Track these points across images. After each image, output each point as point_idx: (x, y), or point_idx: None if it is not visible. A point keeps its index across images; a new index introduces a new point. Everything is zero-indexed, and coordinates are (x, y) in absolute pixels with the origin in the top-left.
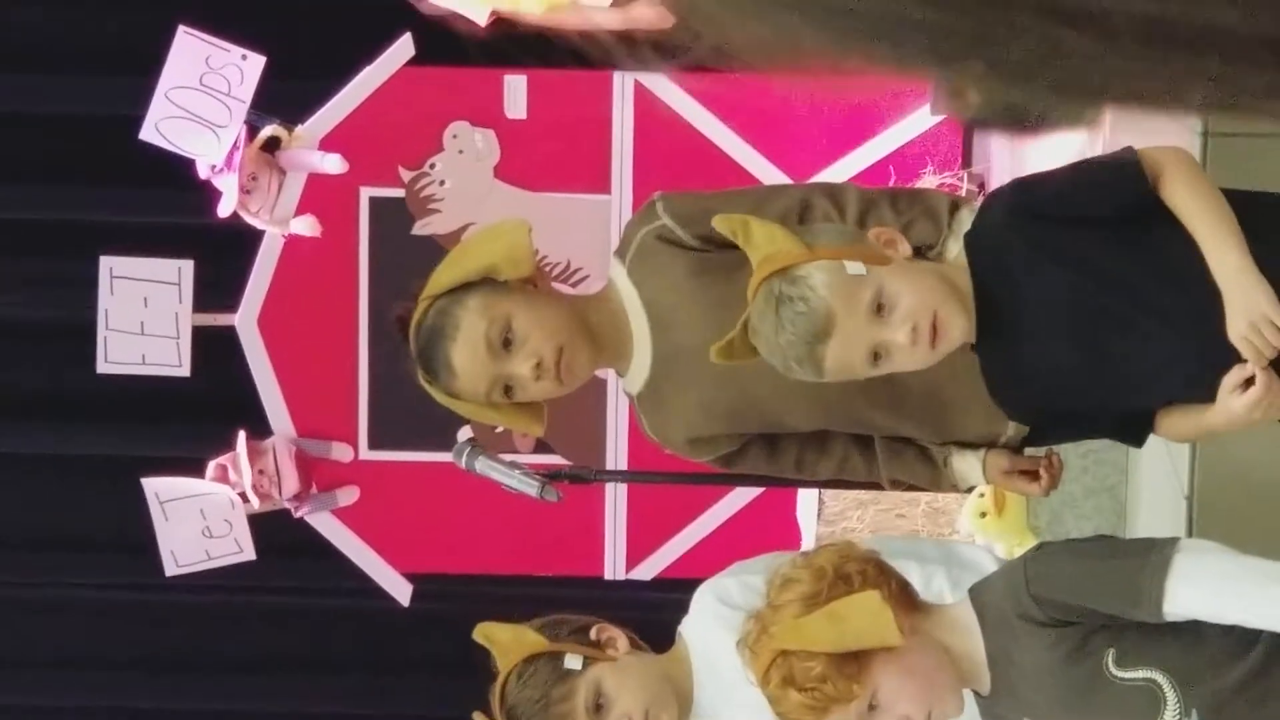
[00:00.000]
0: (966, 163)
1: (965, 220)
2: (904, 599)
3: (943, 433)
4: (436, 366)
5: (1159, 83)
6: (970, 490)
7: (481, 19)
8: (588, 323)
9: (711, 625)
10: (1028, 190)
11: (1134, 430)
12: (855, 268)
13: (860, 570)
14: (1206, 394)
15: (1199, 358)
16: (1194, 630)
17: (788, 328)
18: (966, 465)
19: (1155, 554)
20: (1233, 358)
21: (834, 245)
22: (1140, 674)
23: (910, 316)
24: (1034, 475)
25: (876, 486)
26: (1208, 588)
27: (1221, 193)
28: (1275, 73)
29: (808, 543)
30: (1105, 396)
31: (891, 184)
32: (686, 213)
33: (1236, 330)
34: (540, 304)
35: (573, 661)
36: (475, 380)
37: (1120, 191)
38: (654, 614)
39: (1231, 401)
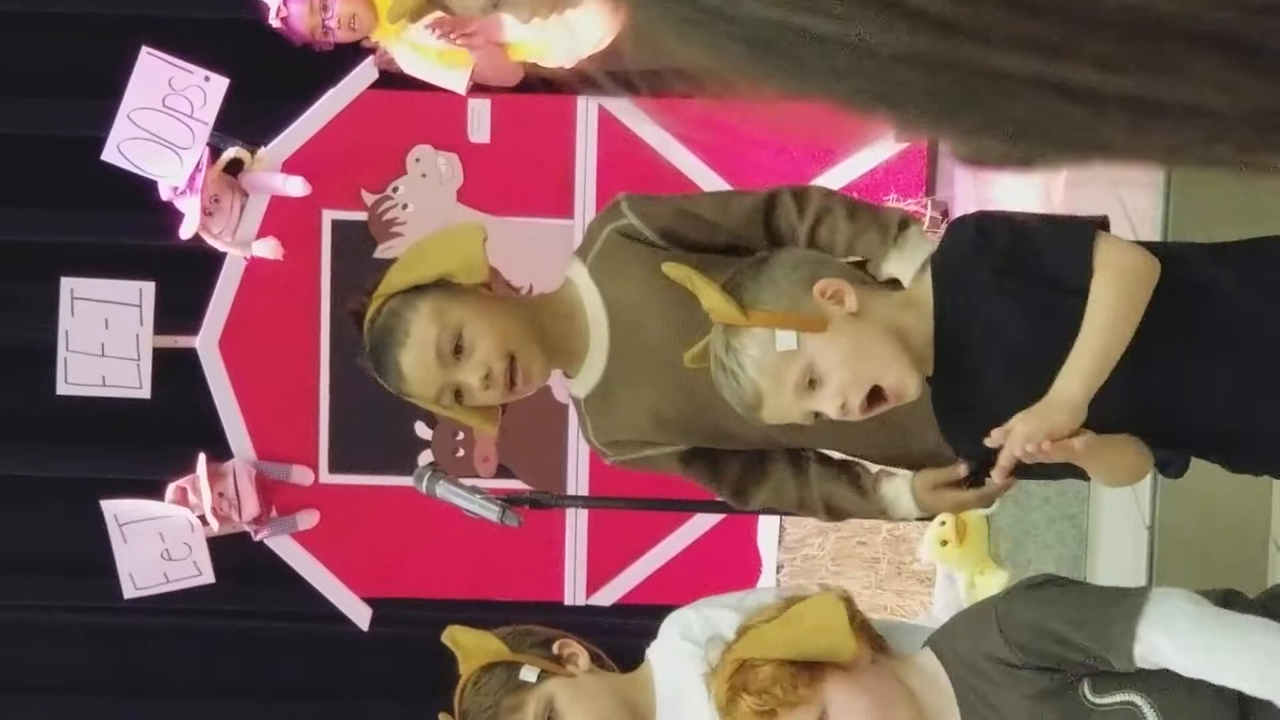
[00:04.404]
0: (930, 190)
1: (913, 238)
2: (869, 636)
3: (890, 448)
4: (386, 367)
5: (1144, 150)
6: (904, 519)
7: (461, 87)
8: (542, 326)
9: (673, 657)
10: (991, 226)
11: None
12: (786, 341)
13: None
14: (1139, 428)
15: (1134, 393)
16: None
17: (725, 393)
18: (894, 490)
19: (1127, 601)
20: (1163, 392)
21: (771, 309)
22: (1118, 698)
23: (840, 393)
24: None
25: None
26: (1180, 639)
27: (1137, 314)
28: (1254, 139)
29: (768, 569)
30: None
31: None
32: (652, 210)
33: (1020, 425)
34: (493, 310)
35: (528, 673)
36: (424, 386)
37: (1062, 263)
38: (614, 639)
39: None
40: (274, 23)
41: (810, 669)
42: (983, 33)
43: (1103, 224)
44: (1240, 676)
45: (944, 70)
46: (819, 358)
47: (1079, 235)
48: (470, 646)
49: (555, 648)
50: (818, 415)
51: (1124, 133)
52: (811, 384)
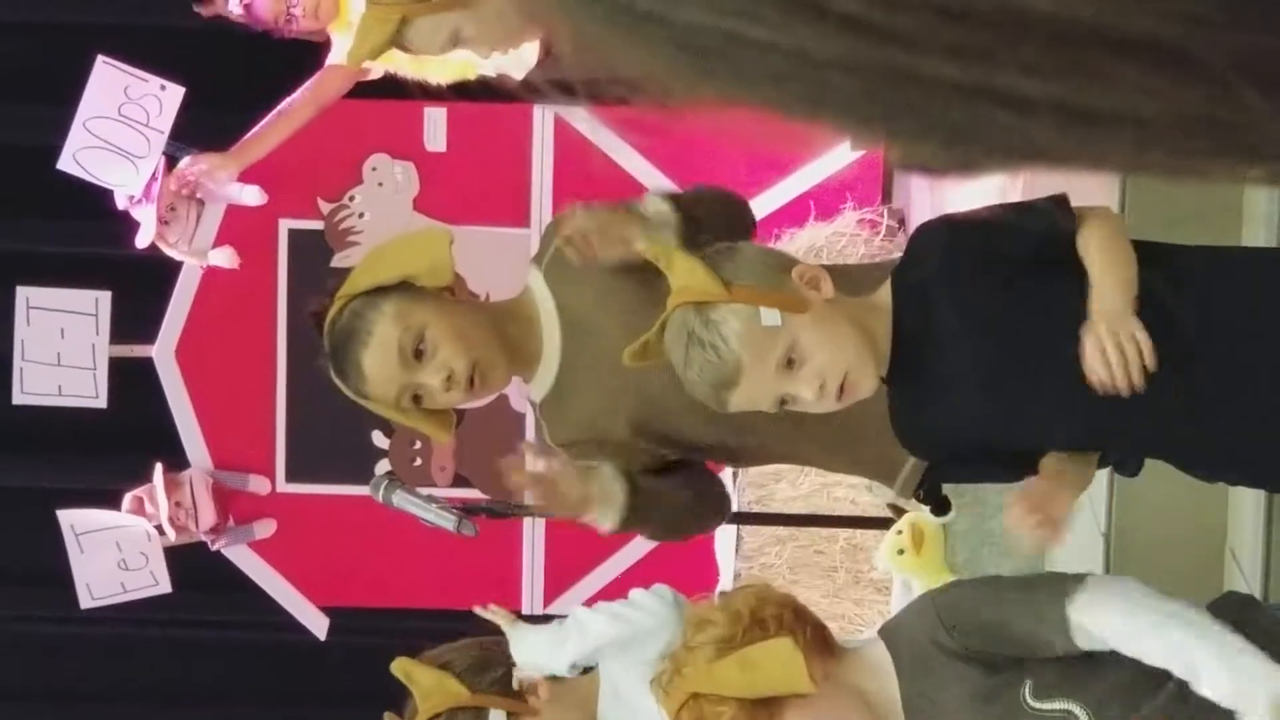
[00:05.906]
0: (887, 198)
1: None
2: (818, 643)
3: (840, 454)
4: (347, 368)
5: (1078, 155)
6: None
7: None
8: (503, 331)
9: (616, 657)
10: (956, 228)
11: (1019, 471)
12: (770, 317)
13: (776, 615)
14: (1091, 442)
15: (1089, 410)
16: (1111, 661)
17: (695, 370)
18: None
19: (1063, 579)
20: (1114, 413)
21: (753, 286)
22: (1057, 705)
23: (819, 375)
24: None
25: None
26: (1110, 610)
27: (1134, 253)
28: (1184, 145)
29: (725, 578)
30: (1004, 439)
31: (812, 218)
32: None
33: (1092, 332)
34: (457, 315)
35: (497, 718)
36: (385, 386)
37: (1043, 223)
38: None
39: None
40: (235, 8)
41: (768, 704)
42: (911, 39)
43: (1061, 200)
44: (1164, 660)
45: (875, 76)
46: (801, 337)
47: (1045, 209)
48: (428, 685)
49: (515, 683)
50: (783, 403)
51: (1056, 139)
52: (790, 364)
